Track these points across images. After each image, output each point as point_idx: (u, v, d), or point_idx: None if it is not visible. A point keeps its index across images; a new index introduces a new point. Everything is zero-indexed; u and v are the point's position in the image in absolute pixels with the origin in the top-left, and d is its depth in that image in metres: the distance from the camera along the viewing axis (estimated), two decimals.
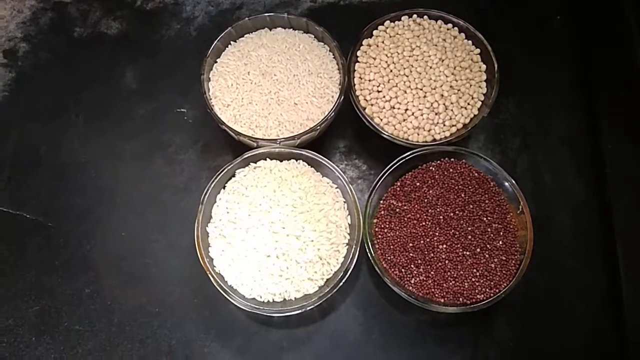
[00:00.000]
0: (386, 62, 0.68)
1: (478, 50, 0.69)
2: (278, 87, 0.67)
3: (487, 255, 0.61)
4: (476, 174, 0.65)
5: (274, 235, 0.60)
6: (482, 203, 0.63)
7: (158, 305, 0.64)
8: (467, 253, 0.61)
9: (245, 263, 0.60)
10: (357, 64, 0.69)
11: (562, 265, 0.66)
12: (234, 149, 0.70)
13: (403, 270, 0.61)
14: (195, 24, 0.78)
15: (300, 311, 0.59)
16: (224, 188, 0.64)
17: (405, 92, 0.67)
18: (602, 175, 0.68)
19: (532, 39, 0.77)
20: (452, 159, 0.66)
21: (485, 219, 0.62)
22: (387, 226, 0.63)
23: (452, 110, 0.66)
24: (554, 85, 0.75)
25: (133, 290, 0.65)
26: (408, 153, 0.64)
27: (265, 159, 0.65)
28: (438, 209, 0.63)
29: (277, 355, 0.63)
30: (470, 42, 0.70)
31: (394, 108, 0.67)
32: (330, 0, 0.79)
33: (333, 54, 0.69)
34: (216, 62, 0.69)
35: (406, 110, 0.66)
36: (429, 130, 0.66)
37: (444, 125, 0.66)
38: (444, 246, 0.61)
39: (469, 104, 0.67)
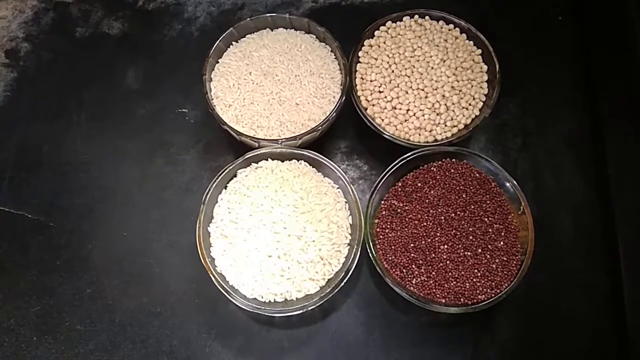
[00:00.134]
0: (388, 62, 0.68)
1: (479, 51, 0.69)
2: (280, 88, 0.67)
3: (488, 256, 0.61)
4: (477, 175, 0.65)
5: (276, 236, 0.61)
6: (483, 203, 0.63)
7: (159, 305, 0.65)
8: (469, 253, 0.61)
9: (246, 263, 0.60)
10: (358, 64, 0.69)
11: (563, 265, 0.66)
12: (235, 149, 0.70)
13: (404, 270, 0.61)
14: (197, 24, 0.79)
15: (301, 311, 0.59)
16: (225, 188, 0.64)
17: (407, 92, 0.67)
18: (603, 176, 0.68)
19: (534, 40, 0.77)
20: (454, 160, 0.66)
21: (486, 219, 0.62)
22: (389, 226, 0.63)
23: (453, 110, 0.66)
24: (556, 86, 0.75)
25: (134, 290, 0.65)
26: (409, 153, 0.64)
27: (267, 159, 0.65)
28: (439, 210, 0.63)
29: (278, 355, 0.63)
30: (471, 42, 0.70)
31: (395, 108, 0.67)
32: (332, 0, 0.79)
33: (335, 55, 0.69)
34: (218, 62, 0.69)
35: (407, 110, 0.66)
36: (430, 131, 0.66)
37: (446, 125, 0.66)
38: (445, 246, 0.61)
39: (470, 104, 0.67)
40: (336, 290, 0.59)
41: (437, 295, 0.60)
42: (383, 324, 0.64)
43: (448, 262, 0.61)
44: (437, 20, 0.71)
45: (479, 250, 0.61)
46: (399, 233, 0.62)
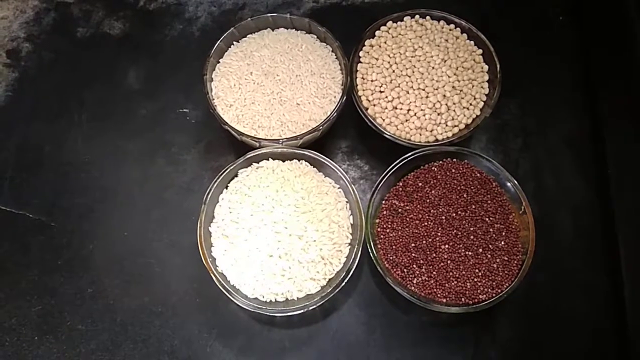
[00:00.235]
0: (388, 62, 0.68)
1: (480, 51, 0.69)
2: (280, 88, 0.67)
3: (489, 256, 0.61)
4: (478, 175, 0.65)
5: (277, 235, 0.61)
6: (484, 203, 0.63)
7: (160, 305, 0.65)
8: (470, 253, 0.61)
9: (247, 263, 0.60)
10: (359, 64, 0.69)
11: (564, 265, 0.66)
12: (236, 149, 0.70)
13: (405, 270, 0.61)
14: (197, 24, 0.79)
15: (302, 311, 0.59)
16: (226, 188, 0.64)
17: (408, 92, 0.67)
18: (604, 176, 0.69)
19: (534, 40, 0.77)
20: (454, 160, 0.66)
21: (487, 219, 0.63)
22: (390, 226, 0.63)
23: (454, 110, 0.66)
24: (556, 86, 0.75)
25: (135, 290, 0.65)
26: (410, 153, 0.64)
27: (268, 159, 0.65)
28: (440, 209, 0.63)
29: (279, 354, 0.63)
30: (472, 42, 0.70)
31: (396, 108, 0.67)
32: (332, 0, 0.79)
33: (335, 55, 0.69)
34: (219, 62, 0.69)
35: (408, 110, 0.66)
36: (431, 131, 0.66)
37: (446, 125, 0.66)
38: (446, 246, 0.61)
39: (471, 104, 0.67)
40: (337, 290, 0.59)
41: (438, 295, 0.60)
42: (384, 323, 0.64)
43: (449, 261, 0.61)
44: (438, 20, 0.71)
45: (480, 250, 0.61)
46: (400, 233, 0.62)
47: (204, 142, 0.72)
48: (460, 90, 0.67)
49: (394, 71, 0.68)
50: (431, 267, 0.61)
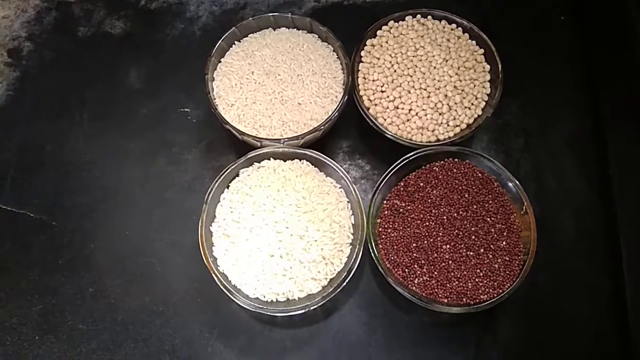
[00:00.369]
0: (390, 62, 0.68)
1: (482, 51, 0.69)
2: (282, 87, 0.67)
3: (490, 256, 0.61)
4: (480, 175, 0.65)
5: (278, 235, 0.61)
6: (485, 203, 0.63)
7: (161, 305, 0.65)
8: (471, 253, 0.61)
9: (248, 262, 0.60)
10: (361, 64, 0.69)
11: (565, 265, 0.66)
12: (237, 149, 0.70)
13: (406, 270, 0.61)
14: (199, 23, 0.79)
15: (303, 311, 0.59)
16: (227, 187, 0.64)
17: (409, 92, 0.67)
18: (605, 176, 0.68)
19: (536, 40, 0.77)
20: (456, 159, 0.66)
21: (488, 219, 0.62)
22: (391, 226, 0.63)
23: (455, 110, 0.66)
24: (558, 86, 0.75)
25: (136, 290, 0.65)
26: (412, 153, 0.64)
27: (269, 159, 0.65)
28: (442, 209, 0.63)
29: (280, 354, 0.63)
30: (474, 42, 0.70)
31: (397, 108, 0.67)
32: (334, 0, 0.79)
33: (337, 54, 0.69)
34: (220, 61, 0.69)
35: (410, 110, 0.66)
36: (432, 131, 0.66)
37: (448, 125, 0.66)
38: (448, 246, 0.61)
39: (472, 104, 0.67)
40: (338, 290, 0.59)
41: (440, 295, 0.60)
42: (385, 323, 0.64)
43: (450, 262, 0.61)
44: (439, 19, 0.71)
45: (482, 250, 0.61)
46: (401, 233, 0.62)
47: (205, 141, 0.72)
48: (462, 90, 0.67)
49: (395, 71, 0.68)
50: (432, 267, 0.61)
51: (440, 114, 0.66)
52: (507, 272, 0.61)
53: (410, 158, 0.64)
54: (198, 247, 0.60)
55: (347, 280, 0.60)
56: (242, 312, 0.64)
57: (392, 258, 0.62)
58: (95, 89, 0.75)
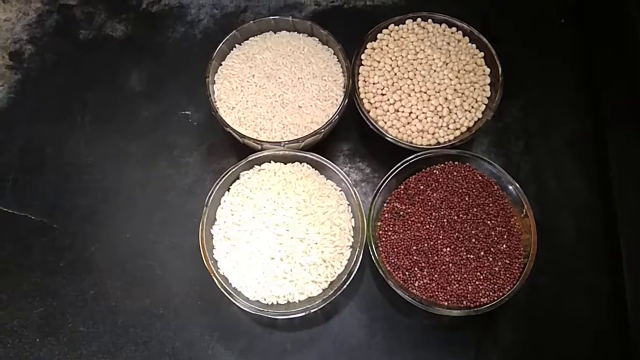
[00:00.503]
0: (390, 65, 0.68)
1: (482, 54, 0.69)
2: (282, 90, 0.67)
3: (490, 259, 0.61)
4: (480, 177, 0.65)
5: (278, 238, 0.61)
6: (486, 206, 0.63)
7: (162, 307, 0.65)
8: (471, 256, 0.61)
9: (249, 265, 0.60)
10: (361, 67, 0.69)
11: (565, 268, 0.66)
12: (238, 152, 0.70)
13: (407, 273, 0.61)
14: (200, 26, 0.79)
15: (304, 314, 0.59)
16: (228, 190, 0.64)
17: (410, 95, 0.67)
18: (606, 178, 0.68)
19: (536, 42, 0.77)
20: (456, 162, 0.66)
21: (489, 222, 0.62)
22: (391, 229, 0.63)
23: (456, 113, 0.66)
24: (558, 88, 0.75)
25: (137, 292, 0.65)
26: (412, 156, 0.64)
27: (270, 162, 0.65)
28: (442, 212, 0.63)
29: (280, 357, 0.63)
30: (474, 45, 0.70)
31: (398, 111, 0.67)
32: (334, 3, 0.80)
33: (337, 57, 0.69)
34: (221, 64, 0.69)
35: (410, 113, 0.66)
36: (432, 134, 0.66)
37: (448, 128, 0.66)
38: (448, 249, 0.61)
39: (472, 107, 0.67)
40: (339, 292, 0.59)
41: (440, 298, 0.60)
42: (385, 326, 0.64)
43: (450, 264, 0.61)
44: (439, 23, 0.71)
45: (482, 253, 0.61)
46: (401, 236, 0.62)
47: (206, 144, 0.72)
48: (462, 93, 0.67)
49: (395, 74, 0.68)
50: (433, 270, 0.61)
51: (440, 117, 0.66)
52: (508, 275, 0.61)
53: (411, 161, 0.64)
54: (198, 249, 0.61)
55: (347, 283, 0.60)
56: (242, 314, 0.64)
57: (393, 261, 0.62)
58: (97, 91, 0.75)
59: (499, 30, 0.73)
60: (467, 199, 0.63)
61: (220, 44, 0.68)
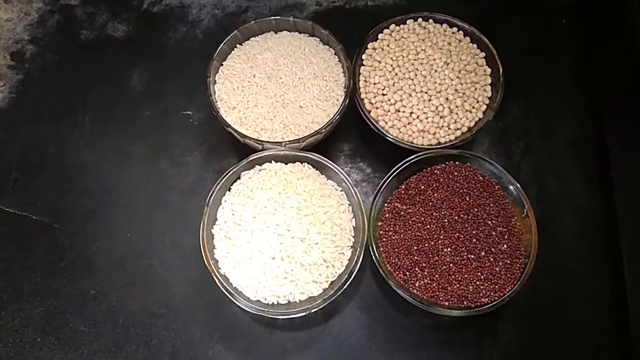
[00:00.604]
0: (391, 65, 0.68)
1: (483, 54, 0.69)
2: (283, 90, 0.67)
3: (491, 259, 0.61)
4: (481, 178, 0.65)
5: (279, 238, 0.61)
6: (486, 206, 0.63)
7: (163, 307, 0.65)
8: (472, 256, 0.61)
9: (250, 265, 0.60)
10: (362, 67, 0.69)
11: (566, 268, 0.66)
12: (239, 152, 0.70)
13: (407, 273, 0.61)
14: (201, 27, 0.79)
15: (304, 313, 0.59)
16: (229, 190, 0.64)
17: (410, 95, 0.67)
18: (607, 179, 0.68)
19: (537, 42, 0.77)
20: (457, 163, 0.66)
21: (489, 222, 0.62)
22: (392, 229, 0.63)
23: (457, 113, 0.67)
24: (559, 89, 0.75)
25: (138, 292, 0.65)
26: (413, 156, 0.64)
27: (271, 162, 0.65)
28: (442, 212, 0.63)
29: (281, 357, 0.63)
30: (475, 45, 0.70)
31: (398, 111, 0.67)
32: (335, 3, 0.80)
33: (338, 57, 0.69)
34: (222, 64, 0.69)
35: (411, 113, 0.66)
36: (433, 134, 0.66)
37: (449, 128, 0.66)
38: (449, 249, 0.61)
39: (473, 107, 0.67)
40: (339, 292, 0.59)
41: (440, 298, 0.60)
42: (386, 326, 0.64)
43: (451, 265, 0.61)
44: (440, 23, 0.71)
45: (482, 253, 0.61)
46: (402, 236, 0.62)
47: (207, 144, 0.72)
48: (463, 93, 0.67)
49: (396, 74, 0.68)
50: (433, 270, 0.61)
51: (441, 117, 0.66)
52: (508, 275, 0.61)
53: (412, 161, 0.64)
54: (199, 249, 0.61)
55: (348, 283, 0.60)
56: (243, 314, 0.64)
57: (393, 261, 0.62)
58: (98, 91, 0.75)
59: (499, 31, 0.72)
60: (467, 199, 0.63)
61: (222, 44, 0.68)
